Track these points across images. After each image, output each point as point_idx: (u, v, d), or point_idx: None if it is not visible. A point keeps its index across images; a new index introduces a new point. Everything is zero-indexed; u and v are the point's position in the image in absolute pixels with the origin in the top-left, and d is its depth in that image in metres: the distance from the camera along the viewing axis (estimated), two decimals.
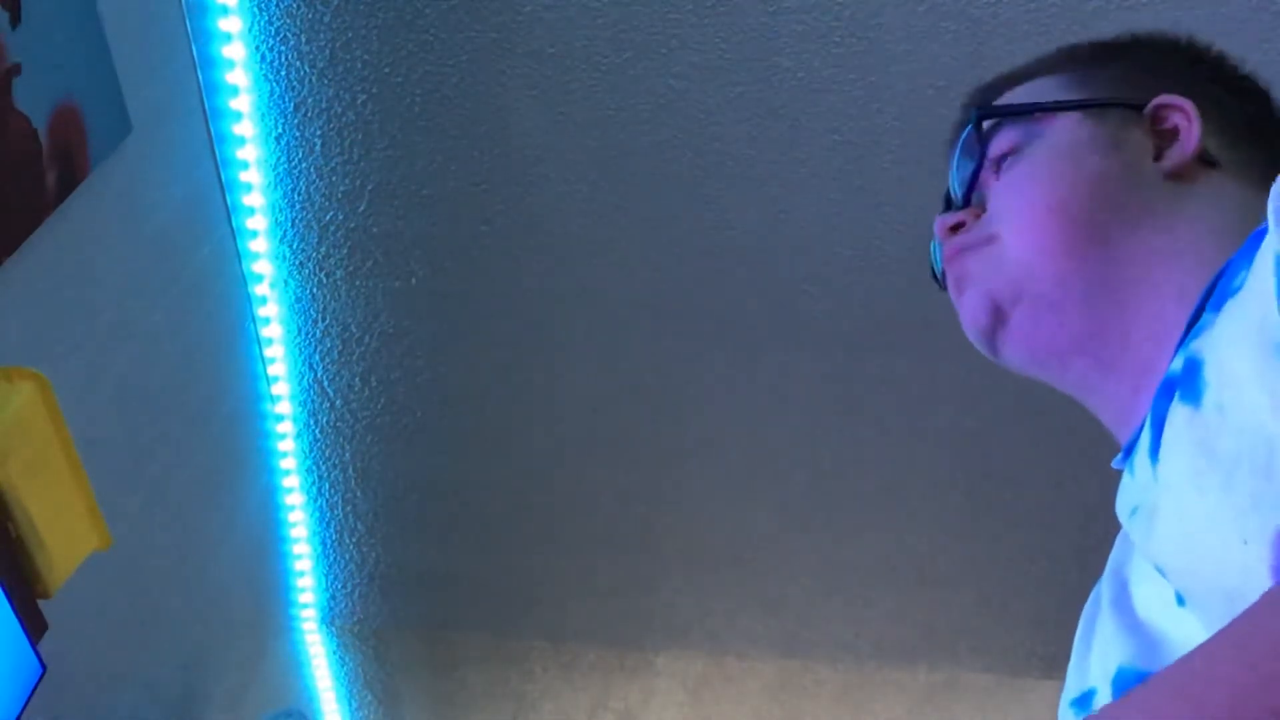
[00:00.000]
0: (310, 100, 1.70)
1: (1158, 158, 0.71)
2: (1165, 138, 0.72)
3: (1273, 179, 0.67)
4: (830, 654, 2.49)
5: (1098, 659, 0.64)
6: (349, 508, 2.26)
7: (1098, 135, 0.72)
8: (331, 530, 2.29)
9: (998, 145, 0.75)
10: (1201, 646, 0.44)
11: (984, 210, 0.75)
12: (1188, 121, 0.71)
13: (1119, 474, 0.66)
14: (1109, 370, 0.68)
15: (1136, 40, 0.79)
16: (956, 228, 0.76)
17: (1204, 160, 0.70)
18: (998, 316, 0.71)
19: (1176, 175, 0.70)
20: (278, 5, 1.61)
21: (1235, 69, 0.77)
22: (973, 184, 0.76)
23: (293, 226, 1.84)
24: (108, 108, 1.38)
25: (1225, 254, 0.61)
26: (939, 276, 0.84)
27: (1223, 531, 0.49)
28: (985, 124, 0.76)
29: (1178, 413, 0.55)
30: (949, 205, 0.80)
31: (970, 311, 0.73)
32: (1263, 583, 0.46)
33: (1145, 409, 0.61)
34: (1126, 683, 0.58)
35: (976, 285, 0.72)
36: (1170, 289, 0.65)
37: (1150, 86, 0.74)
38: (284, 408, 2.07)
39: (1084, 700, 0.64)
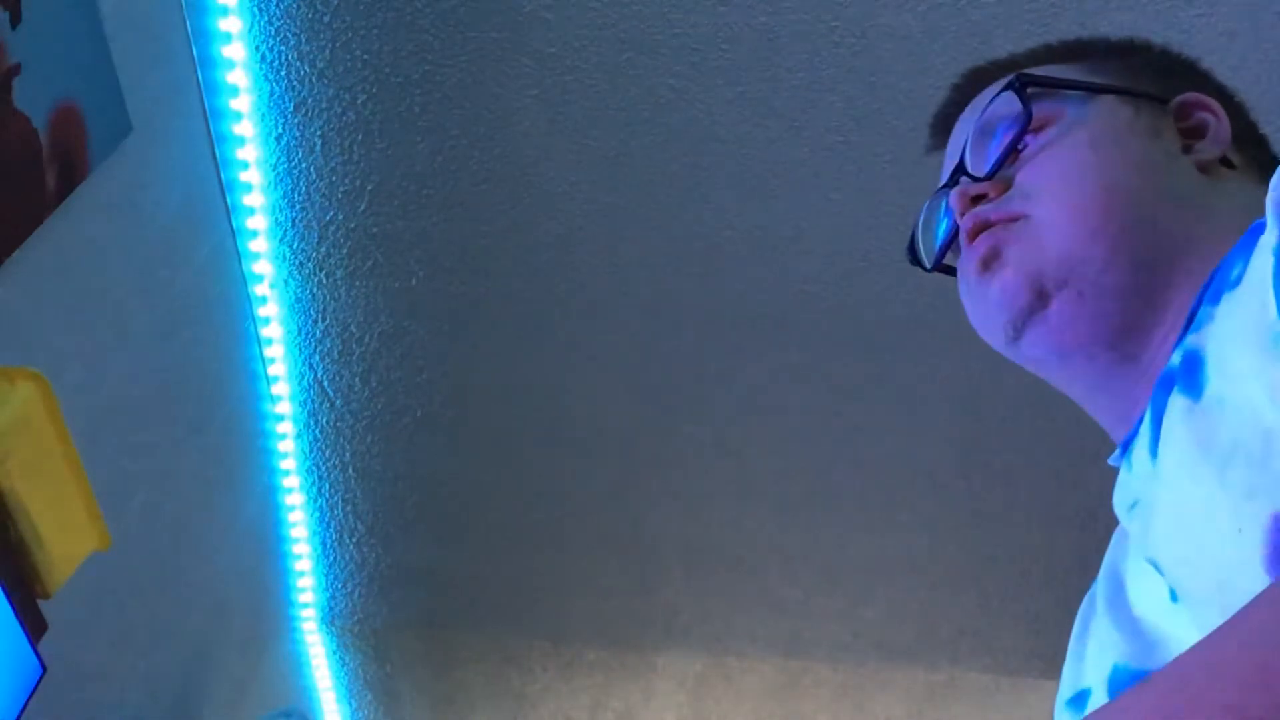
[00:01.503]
0: (310, 100, 1.70)
1: (1185, 151, 0.71)
2: (1188, 134, 0.72)
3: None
4: (830, 654, 2.49)
5: (1093, 658, 0.64)
6: (349, 508, 2.26)
7: (1136, 120, 0.71)
8: (331, 530, 2.29)
9: (1037, 113, 0.72)
10: (1203, 641, 0.44)
11: (1007, 185, 0.72)
12: (1216, 119, 0.72)
13: (1117, 472, 0.66)
14: (1130, 364, 0.67)
15: (1137, 44, 0.79)
16: (977, 199, 0.72)
17: (1223, 160, 0.71)
18: (1040, 299, 0.67)
19: (1204, 169, 0.70)
20: (278, 5, 1.60)
21: (1212, 77, 0.78)
22: (1006, 154, 0.72)
23: (293, 226, 1.84)
24: (108, 108, 1.38)
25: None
26: (918, 253, 0.82)
27: (1217, 521, 0.49)
28: (1029, 91, 0.73)
29: (1176, 405, 0.55)
30: (954, 180, 0.77)
31: (1008, 293, 0.68)
32: (1255, 571, 0.46)
33: (1145, 404, 0.61)
34: (1121, 682, 0.58)
35: (1016, 266, 0.68)
36: (1196, 278, 0.64)
37: (1170, 83, 0.74)
38: (284, 408, 2.07)
39: (1079, 700, 0.64)
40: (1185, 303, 0.64)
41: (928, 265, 0.81)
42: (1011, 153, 0.73)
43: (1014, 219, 0.70)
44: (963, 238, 0.73)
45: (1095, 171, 0.68)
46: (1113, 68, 0.75)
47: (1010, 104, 0.73)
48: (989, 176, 0.73)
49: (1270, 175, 0.66)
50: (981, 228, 0.71)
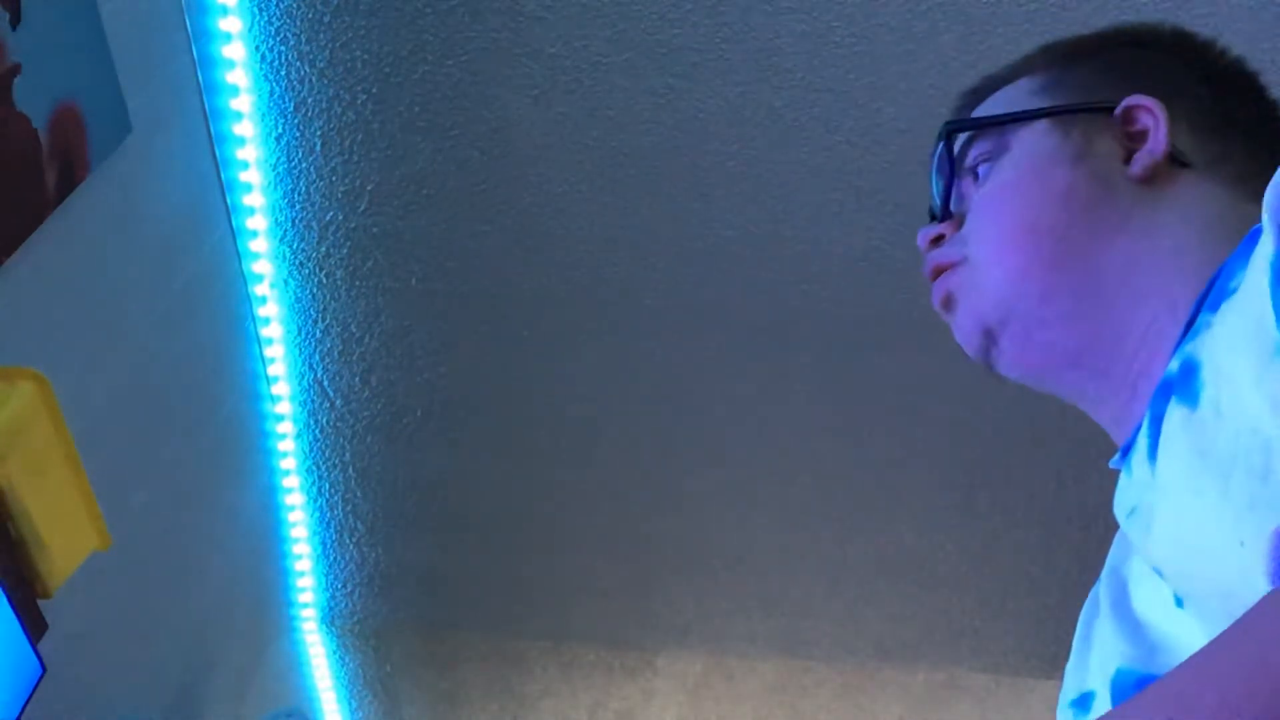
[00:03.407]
0: (310, 100, 1.70)
1: (1128, 162, 0.69)
2: (1136, 140, 0.70)
3: (1247, 176, 0.67)
4: (830, 654, 2.49)
5: (1096, 660, 0.64)
6: (349, 508, 2.26)
7: (1064, 145, 0.70)
8: (331, 530, 2.29)
9: (970, 158, 0.75)
10: (1194, 656, 0.44)
11: (961, 222, 0.75)
12: (1154, 122, 0.69)
13: (1118, 473, 0.66)
14: (1103, 378, 0.68)
15: (1117, 34, 0.77)
16: (938, 240, 0.76)
17: (1177, 161, 0.68)
18: (989, 338, 0.71)
19: (1148, 180, 0.68)
20: (278, 5, 1.60)
21: (1220, 57, 0.74)
22: (947, 197, 0.76)
23: (293, 226, 1.84)
24: (108, 108, 1.38)
25: (1210, 254, 0.60)
26: None
27: (1220, 533, 0.49)
28: (957, 138, 0.76)
29: (1175, 414, 0.55)
30: (934, 217, 0.80)
31: (962, 334, 0.73)
32: (1259, 584, 0.46)
33: (1142, 410, 0.61)
34: (1125, 684, 0.58)
35: (964, 310, 0.72)
36: (1157, 294, 0.64)
37: (1123, 85, 0.72)
38: (284, 408, 2.07)
39: (1083, 701, 0.64)
40: (1150, 316, 0.64)
41: None
42: (948, 197, 0.76)
43: (956, 264, 0.73)
44: (929, 279, 0.76)
45: (1016, 211, 0.70)
46: (1067, 78, 0.74)
47: (942, 153, 0.77)
48: (942, 218, 0.77)
49: (1244, 169, 0.65)
50: (936, 272, 0.75)
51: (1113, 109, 0.71)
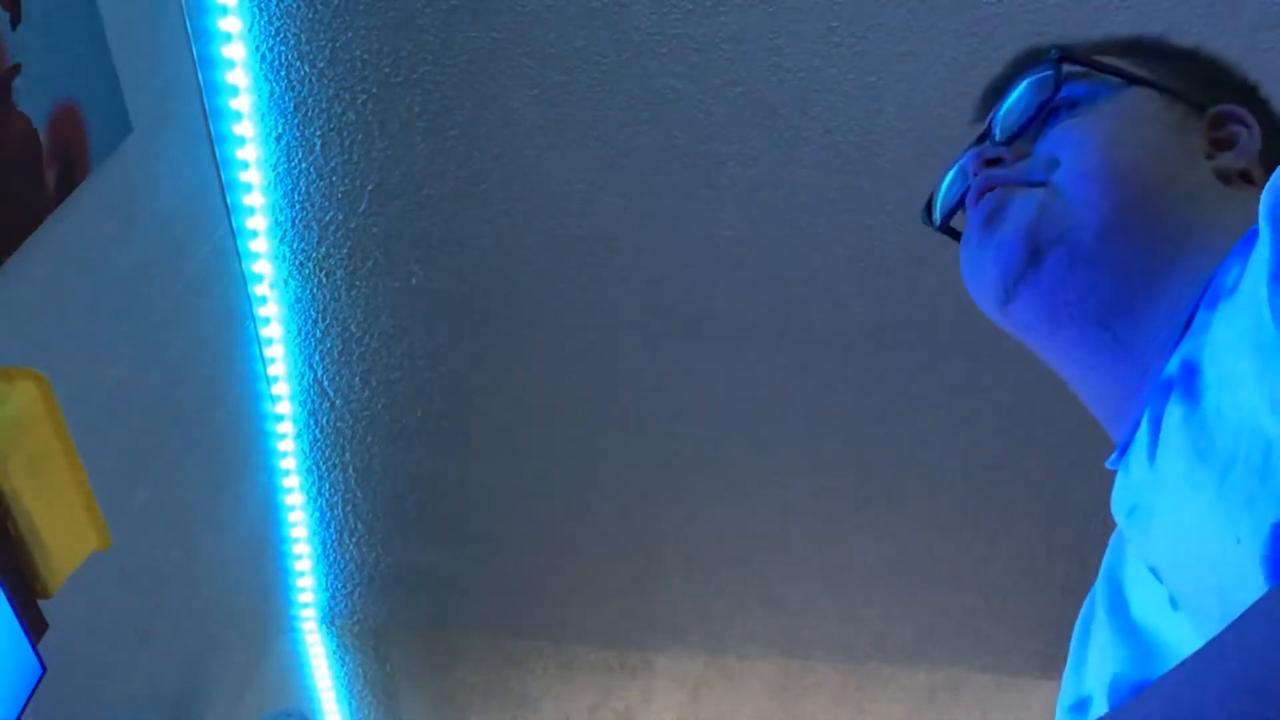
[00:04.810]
0: (310, 100, 1.70)
1: (1209, 157, 0.71)
2: (1217, 144, 0.72)
3: None
4: (830, 654, 2.49)
5: (1093, 665, 0.64)
6: (349, 508, 2.26)
7: (1164, 115, 0.72)
8: (331, 530, 2.29)
9: (1069, 92, 0.74)
10: (1190, 659, 0.44)
11: (1026, 153, 0.73)
12: (1248, 133, 0.72)
13: (1116, 473, 0.66)
14: (1122, 350, 0.67)
15: (1193, 51, 0.80)
16: (993, 163, 0.74)
17: (1244, 177, 0.71)
18: (1033, 258, 0.68)
19: (1224, 178, 0.70)
20: (278, 5, 1.60)
21: (1270, 103, 0.78)
22: (1029, 122, 0.74)
23: (293, 226, 1.84)
24: (108, 108, 1.38)
25: None
26: (934, 213, 0.82)
27: (1216, 530, 0.49)
28: (1065, 67, 0.74)
29: (1174, 412, 0.55)
30: (983, 139, 0.78)
31: (1004, 249, 0.69)
32: (1255, 581, 0.46)
33: (1142, 405, 0.61)
34: (1122, 690, 0.58)
35: (1014, 222, 0.69)
36: (1195, 280, 0.64)
37: (1206, 95, 0.75)
38: (284, 408, 2.07)
39: (1080, 707, 0.64)
40: (1182, 299, 0.64)
41: (937, 224, 0.82)
42: (1033, 121, 0.74)
43: (1025, 183, 0.71)
44: (970, 196, 0.74)
45: (1107, 147, 0.70)
46: (1160, 67, 0.76)
47: (1045, 77, 0.75)
48: (1008, 142, 0.75)
49: None
50: (990, 187, 0.72)
51: (1204, 109, 0.73)
